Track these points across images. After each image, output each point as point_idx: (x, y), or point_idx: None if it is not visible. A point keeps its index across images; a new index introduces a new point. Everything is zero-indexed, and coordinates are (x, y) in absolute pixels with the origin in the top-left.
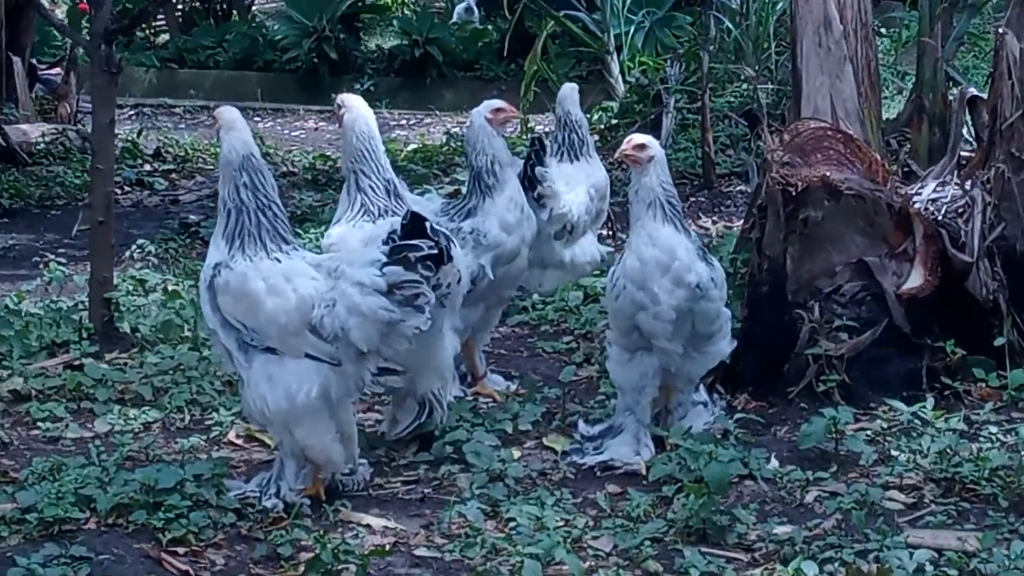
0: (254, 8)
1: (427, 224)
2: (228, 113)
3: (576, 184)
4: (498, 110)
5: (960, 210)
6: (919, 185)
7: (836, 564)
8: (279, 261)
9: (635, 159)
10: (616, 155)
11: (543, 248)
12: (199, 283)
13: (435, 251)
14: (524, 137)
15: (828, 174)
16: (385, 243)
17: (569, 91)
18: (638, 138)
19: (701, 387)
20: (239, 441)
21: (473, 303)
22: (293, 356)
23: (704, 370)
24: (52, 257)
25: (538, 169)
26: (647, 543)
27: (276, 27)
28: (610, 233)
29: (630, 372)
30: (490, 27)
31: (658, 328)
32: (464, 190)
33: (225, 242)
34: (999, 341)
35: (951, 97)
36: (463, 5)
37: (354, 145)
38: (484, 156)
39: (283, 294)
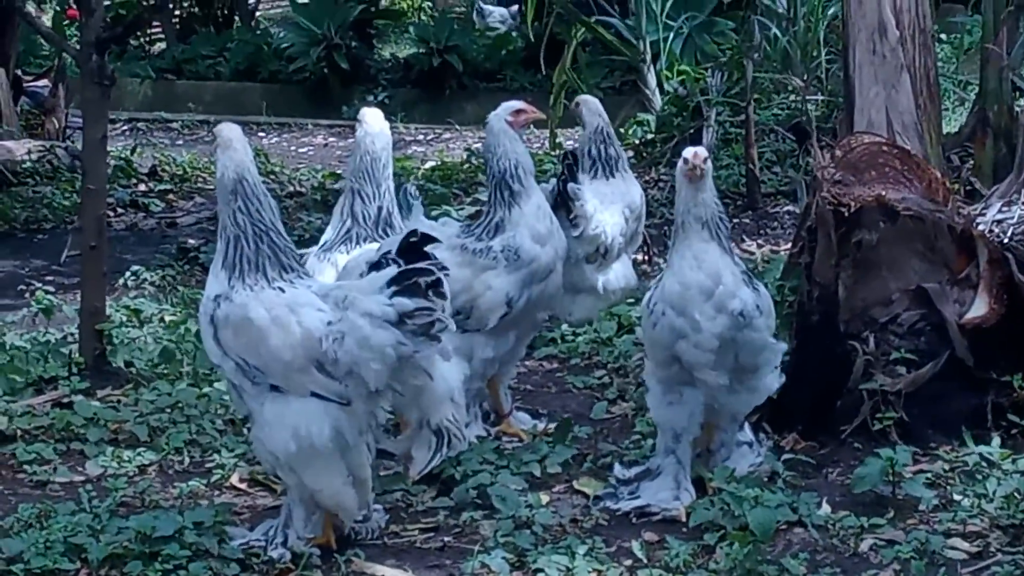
0: (258, 14)
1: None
2: (227, 131)
3: (610, 203)
4: (519, 111)
5: None
6: (983, 205)
7: None
8: (282, 291)
9: (703, 171)
10: (684, 169)
11: (574, 272)
12: (200, 316)
13: (446, 273)
14: (552, 153)
15: (884, 193)
16: (376, 266)
17: (592, 103)
18: (701, 151)
19: (746, 426)
20: (243, 485)
21: (503, 331)
22: (298, 395)
23: (750, 407)
24: (39, 285)
25: (571, 186)
26: None
27: (282, 35)
28: (646, 258)
29: (671, 409)
30: (514, 33)
31: (700, 358)
32: (485, 207)
33: (225, 272)
34: None
35: (1018, 109)
36: (502, 11)
37: (357, 164)
38: (507, 160)
39: (287, 327)
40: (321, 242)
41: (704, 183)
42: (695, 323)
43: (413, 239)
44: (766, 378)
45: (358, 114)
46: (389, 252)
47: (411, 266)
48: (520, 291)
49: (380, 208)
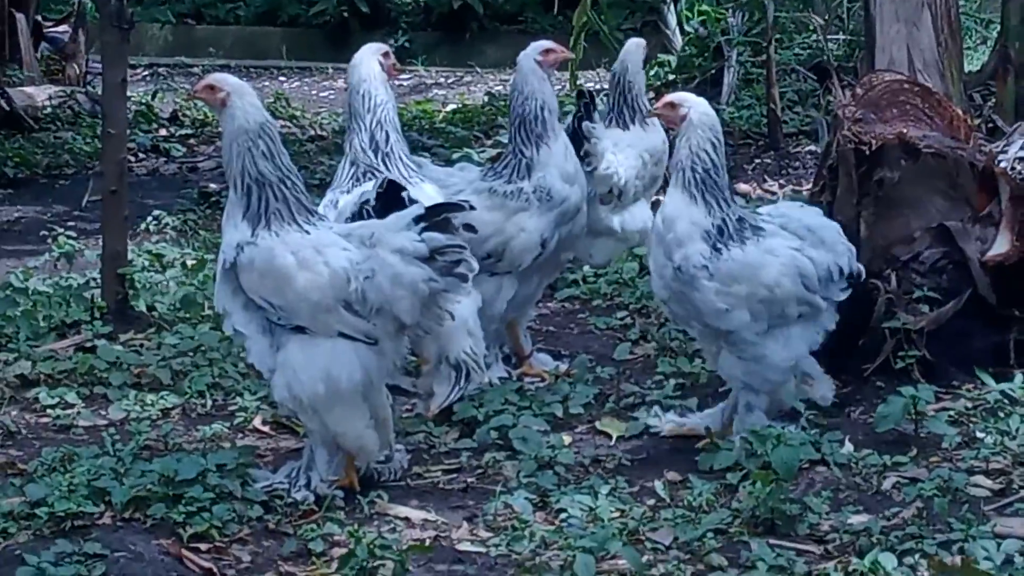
0: None
1: (404, 194)
2: (230, 79)
3: (626, 146)
4: (548, 51)
5: None
6: (1005, 142)
7: (917, 556)
8: (307, 232)
9: (668, 118)
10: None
11: (591, 213)
12: (218, 263)
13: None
14: (573, 94)
15: (905, 131)
16: (357, 216)
17: (634, 48)
18: (672, 96)
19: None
20: (266, 428)
21: (529, 273)
22: (325, 335)
23: (754, 380)
24: (61, 231)
25: (585, 124)
26: (710, 535)
27: None
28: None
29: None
30: None
31: (658, 301)
32: (506, 149)
33: (248, 223)
34: None
35: None
36: None
37: (348, 101)
38: (534, 101)
39: (314, 268)
40: (333, 183)
41: (682, 129)
42: (653, 265)
43: (381, 189)
44: (770, 355)
45: None
46: (367, 201)
47: (442, 202)
48: (552, 231)
49: (371, 139)
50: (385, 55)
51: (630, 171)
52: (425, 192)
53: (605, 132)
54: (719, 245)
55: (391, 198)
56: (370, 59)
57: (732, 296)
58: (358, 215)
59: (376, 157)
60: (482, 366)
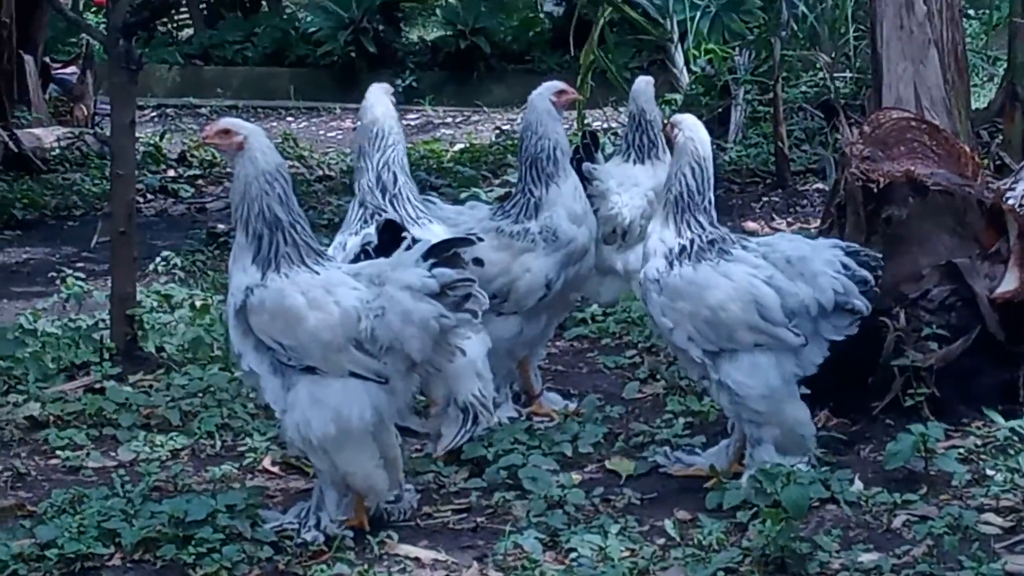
0: None
1: (405, 235)
2: (243, 123)
3: (632, 186)
4: (561, 92)
5: None
6: (1012, 179)
7: None
8: (316, 273)
9: (668, 138)
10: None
11: (596, 252)
12: (226, 309)
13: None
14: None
15: (913, 169)
16: (359, 258)
17: (644, 86)
18: (675, 118)
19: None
20: (275, 469)
21: (536, 313)
22: (336, 375)
23: (727, 409)
24: (70, 272)
25: (586, 166)
26: (720, 574)
27: (309, 19)
28: None
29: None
30: (542, 15)
31: None
32: (515, 188)
33: (257, 267)
34: None
35: None
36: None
37: (358, 141)
38: (547, 141)
39: (325, 307)
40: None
41: (676, 152)
42: None
43: (385, 230)
44: (734, 384)
45: None
46: (370, 243)
47: (449, 237)
48: (558, 273)
49: (379, 179)
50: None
51: (635, 211)
52: (432, 232)
53: (611, 171)
54: (673, 262)
55: (391, 239)
56: (383, 98)
57: (676, 312)
58: (360, 257)
59: (384, 198)
60: (491, 409)
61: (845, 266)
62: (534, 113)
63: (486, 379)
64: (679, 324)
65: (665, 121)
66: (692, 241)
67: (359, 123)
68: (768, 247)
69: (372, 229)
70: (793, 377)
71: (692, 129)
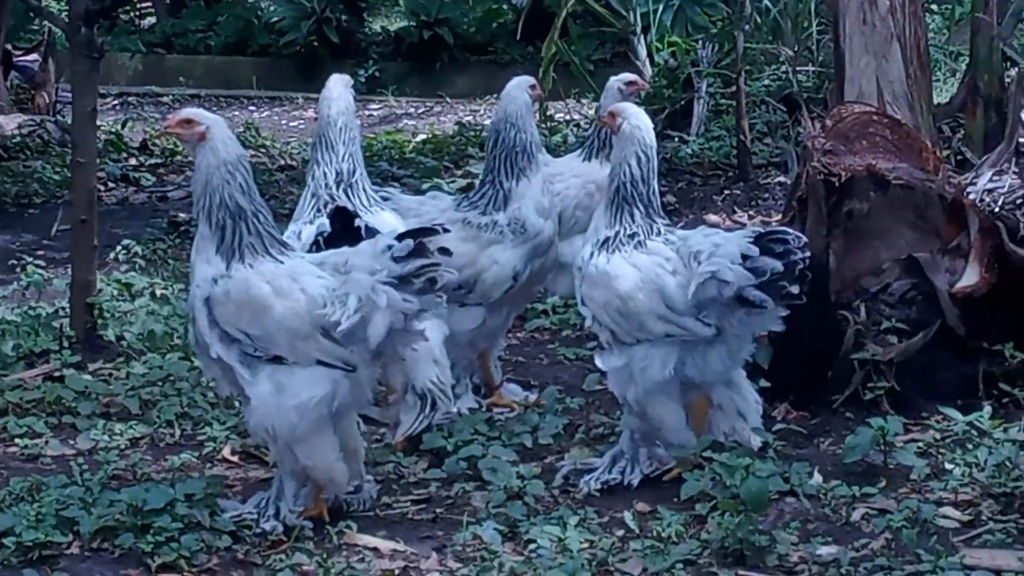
0: None
1: (357, 221)
2: (205, 113)
3: (571, 176)
4: (533, 86)
5: (1019, 201)
6: (974, 174)
7: None
8: (280, 262)
9: (610, 127)
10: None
11: None
12: (191, 301)
13: (446, 231)
14: (543, 126)
15: (874, 163)
16: (313, 248)
17: (610, 83)
18: (615, 106)
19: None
20: (234, 458)
21: (499, 305)
22: (303, 364)
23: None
24: (30, 260)
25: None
26: (679, 566)
27: (272, 8)
28: None
29: None
30: (505, 6)
31: None
32: (480, 179)
33: (221, 257)
34: None
35: (1008, 78)
36: None
37: (316, 130)
38: (524, 135)
39: (291, 295)
40: (295, 217)
41: (619, 146)
42: None
43: (329, 215)
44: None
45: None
46: (324, 232)
47: (416, 227)
48: (525, 265)
49: (339, 172)
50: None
51: (568, 200)
52: (383, 219)
53: (558, 163)
54: (595, 252)
55: (343, 226)
56: (346, 91)
57: (592, 301)
58: (314, 246)
59: (338, 188)
60: (449, 395)
61: (745, 256)
62: (513, 105)
63: (443, 365)
64: (597, 314)
65: (603, 113)
66: (617, 233)
67: (324, 113)
68: (683, 241)
69: (325, 219)
70: (674, 379)
71: (636, 117)
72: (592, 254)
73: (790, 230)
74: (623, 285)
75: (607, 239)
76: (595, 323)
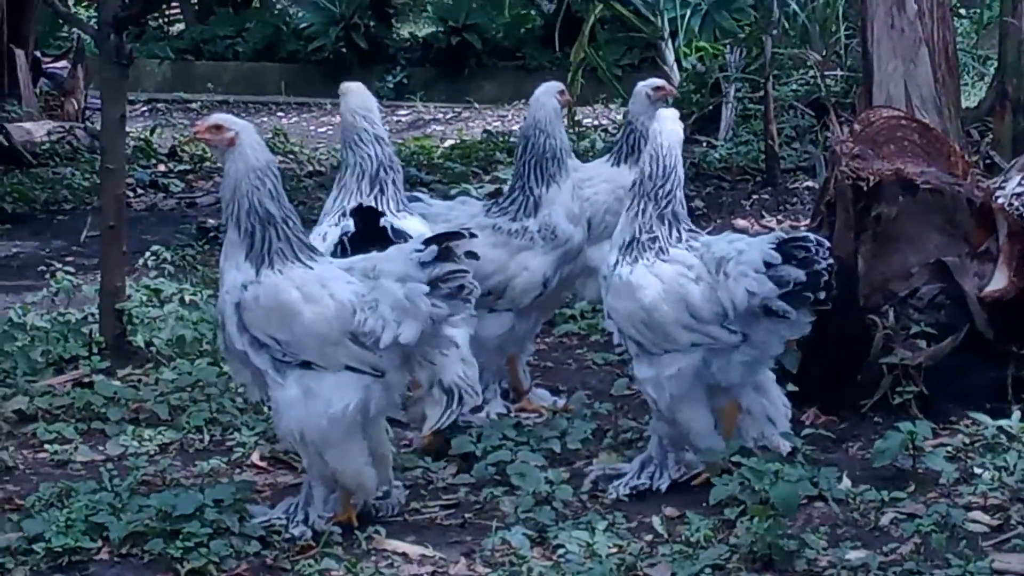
0: None
1: (383, 220)
2: (235, 119)
3: (601, 182)
4: (561, 91)
5: None
6: (1002, 178)
7: None
8: (310, 268)
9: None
10: None
11: None
12: (220, 307)
13: (474, 236)
14: (571, 131)
15: (903, 167)
16: (337, 248)
17: (638, 89)
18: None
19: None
20: (263, 464)
21: (528, 311)
22: (333, 369)
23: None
24: (59, 266)
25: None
26: (708, 571)
27: (300, 14)
28: None
29: None
30: (533, 12)
31: None
32: (510, 185)
33: (251, 264)
34: None
35: None
36: None
37: (343, 135)
38: (555, 140)
39: (320, 301)
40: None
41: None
42: None
43: (358, 215)
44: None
45: (340, 89)
46: (348, 232)
47: (443, 231)
48: (555, 271)
49: (371, 175)
50: None
51: (598, 205)
52: (409, 224)
53: (587, 168)
54: (619, 259)
55: (366, 225)
56: (371, 96)
57: (617, 312)
58: (338, 247)
59: (370, 191)
60: (477, 390)
61: (768, 264)
62: (543, 111)
63: (470, 363)
64: (621, 324)
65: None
66: (636, 235)
67: (357, 116)
68: (706, 247)
69: (350, 221)
70: (701, 384)
71: (667, 122)
72: (617, 263)
73: (812, 236)
74: (647, 297)
75: (631, 241)
76: (622, 335)
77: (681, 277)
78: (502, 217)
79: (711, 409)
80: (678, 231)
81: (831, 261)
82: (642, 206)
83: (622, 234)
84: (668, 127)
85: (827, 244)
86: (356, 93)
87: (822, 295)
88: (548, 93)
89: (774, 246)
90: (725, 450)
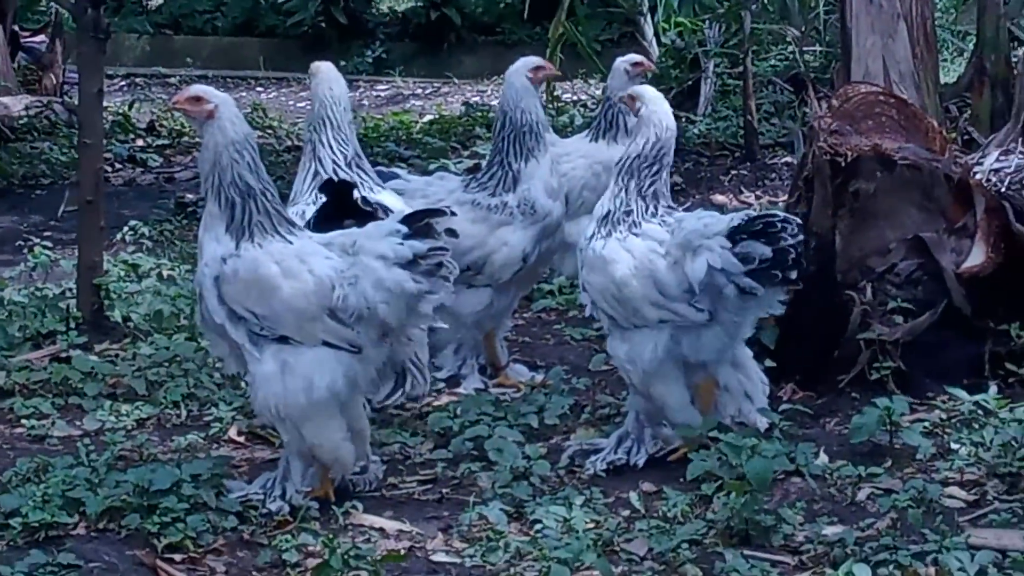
0: None
1: (355, 192)
2: (214, 91)
3: (579, 157)
4: (538, 68)
5: None
6: (980, 154)
7: (891, 567)
8: (290, 242)
9: (629, 107)
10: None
11: None
12: (199, 279)
13: (454, 214)
14: (550, 107)
15: (880, 143)
16: (313, 225)
17: (616, 64)
18: (634, 89)
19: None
20: (240, 439)
21: (507, 286)
22: (310, 344)
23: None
24: (37, 241)
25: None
26: (684, 546)
27: None
28: None
29: None
30: None
31: None
32: (488, 160)
33: (231, 236)
34: None
35: (1015, 58)
36: None
37: (316, 112)
38: (530, 115)
39: (299, 276)
40: (292, 195)
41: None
42: None
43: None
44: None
45: (310, 69)
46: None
47: (424, 208)
48: (534, 246)
49: (345, 153)
50: None
51: (576, 180)
52: (383, 198)
53: (565, 143)
54: (595, 232)
55: (337, 199)
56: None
57: (592, 287)
58: (314, 223)
59: (350, 168)
60: (425, 375)
61: (732, 241)
62: (511, 89)
63: (421, 343)
64: (595, 298)
65: (622, 94)
66: (612, 209)
67: (326, 95)
68: (678, 223)
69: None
70: (674, 360)
71: (653, 103)
72: (593, 235)
73: (781, 213)
74: (618, 271)
75: (607, 214)
76: (595, 309)
77: (651, 253)
78: (481, 192)
79: (688, 385)
80: (655, 207)
81: (800, 239)
82: (625, 183)
83: (601, 207)
84: (664, 111)
85: (797, 221)
86: (327, 76)
87: (792, 274)
88: (517, 72)
89: (740, 223)
90: (701, 424)
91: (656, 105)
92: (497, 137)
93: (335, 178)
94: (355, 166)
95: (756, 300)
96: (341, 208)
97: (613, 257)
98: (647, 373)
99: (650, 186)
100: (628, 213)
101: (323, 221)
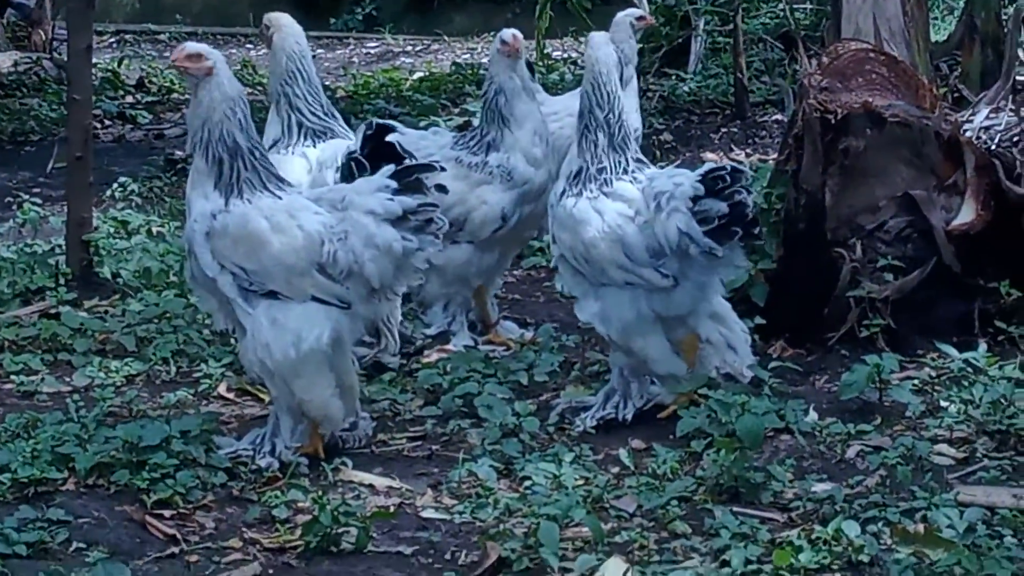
0: None
1: (392, 136)
2: (212, 50)
3: (567, 115)
4: (506, 41)
5: (1015, 139)
6: (970, 112)
7: (880, 524)
8: (279, 197)
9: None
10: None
11: None
12: (188, 235)
13: (443, 170)
14: (540, 65)
15: (871, 100)
16: (350, 167)
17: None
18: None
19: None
20: (230, 395)
21: (491, 246)
22: (298, 300)
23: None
24: (26, 197)
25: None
26: (674, 502)
27: None
28: None
29: None
30: None
31: None
32: (480, 121)
33: (219, 193)
34: None
35: (1005, 16)
36: None
37: (284, 66)
38: (500, 89)
39: (288, 231)
40: (271, 142)
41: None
42: None
43: (369, 131)
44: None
45: (264, 21)
46: (353, 152)
47: (411, 163)
48: (514, 209)
49: (322, 103)
50: None
51: (564, 139)
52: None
53: (554, 101)
54: (565, 188)
55: (379, 142)
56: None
57: (562, 243)
58: (346, 168)
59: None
60: (396, 338)
61: (695, 200)
62: (491, 62)
63: (395, 305)
64: (565, 255)
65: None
66: (584, 165)
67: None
68: (649, 181)
69: (352, 141)
70: (650, 315)
71: (599, 49)
72: (564, 192)
73: (730, 165)
74: (587, 233)
75: (579, 171)
76: (562, 260)
77: (620, 217)
78: (464, 150)
79: (671, 340)
80: (626, 159)
81: (753, 191)
82: (595, 137)
83: (570, 164)
84: (604, 51)
85: (746, 172)
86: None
87: (755, 229)
88: (495, 47)
89: (699, 179)
90: (688, 375)
91: (595, 47)
92: (483, 101)
93: (322, 129)
94: (331, 115)
95: (720, 261)
96: (376, 151)
97: (583, 217)
98: (624, 330)
99: (620, 132)
100: (601, 170)
101: (359, 166)
